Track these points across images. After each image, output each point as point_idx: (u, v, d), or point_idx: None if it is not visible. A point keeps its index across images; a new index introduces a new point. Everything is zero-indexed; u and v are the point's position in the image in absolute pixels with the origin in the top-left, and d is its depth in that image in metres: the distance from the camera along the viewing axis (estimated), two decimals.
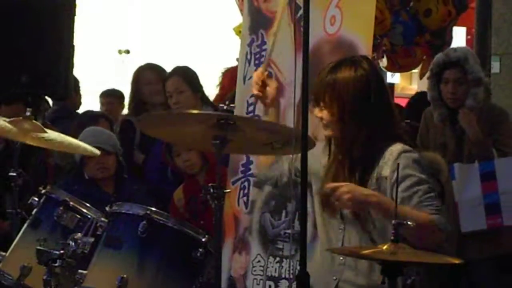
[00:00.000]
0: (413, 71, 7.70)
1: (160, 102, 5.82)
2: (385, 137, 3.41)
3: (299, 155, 3.08)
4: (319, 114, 3.47)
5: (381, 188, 3.33)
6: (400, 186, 3.22)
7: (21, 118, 4.33)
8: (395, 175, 3.15)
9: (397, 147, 3.38)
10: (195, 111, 3.79)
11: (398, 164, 3.19)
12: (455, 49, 5.24)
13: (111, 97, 7.72)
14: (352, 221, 3.39)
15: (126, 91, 6.72)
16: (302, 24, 3.07)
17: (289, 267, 4.43)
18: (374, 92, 3.41)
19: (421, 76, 6.41)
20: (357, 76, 3.42)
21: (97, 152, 4.45)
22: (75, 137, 4.65)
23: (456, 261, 2.92)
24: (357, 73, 3.43)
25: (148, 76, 6.00)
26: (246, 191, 4.76)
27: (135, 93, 6.03)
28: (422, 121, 5.32)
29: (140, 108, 5.90)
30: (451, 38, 6.30)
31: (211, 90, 6.68)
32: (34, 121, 4.37)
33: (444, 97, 5.10)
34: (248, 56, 4.83)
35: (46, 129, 4.21)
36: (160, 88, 5.83)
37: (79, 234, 3.89)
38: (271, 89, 3.75)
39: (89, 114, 6.22)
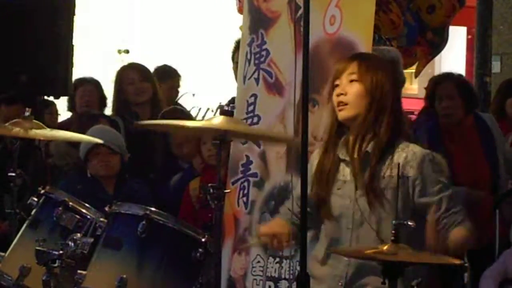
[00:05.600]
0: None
1: (144, 101, 5.84)
2: (397, 130, 3.42)
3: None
4: (342, 90, 3.41)
5: (404, 187, 3.33)
6: (428, 189, 3.31)
7: (20, 119, 4.34)
8: (419, 178, 3.30)
9: (417, 148, 3.39)
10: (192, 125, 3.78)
11: (398, 164, 3.21)
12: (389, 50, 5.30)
13: None
14: (361, 221, 3.38)
15: None
16: (302, 24, 3.06)
17: (289, 267, 4.42)
18: (399, 82, 3.47)
19: (417, 74, 6.39)
20: (389, 62, 3.55)
21: (100, 141, 4.48)
22: None
23: (457, 262, 2.91)
24: (390, 65, 3.56)
25: (130, 76, 5.97)
26: (246, 191, 4.75)
27: (119, 93, 5.99)
28: None
29: (125, 108, 5.89)
30: (448, 35, 6.29)
31: (211, 90, 6.68)
32: (34, 120, 4.38)
33: None
34: (248, 56, 4.83)
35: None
36: (144, 87, 5.84)
37: (79, 235, 3.88)
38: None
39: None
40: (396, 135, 3.40)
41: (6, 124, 4.43)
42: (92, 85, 6.26)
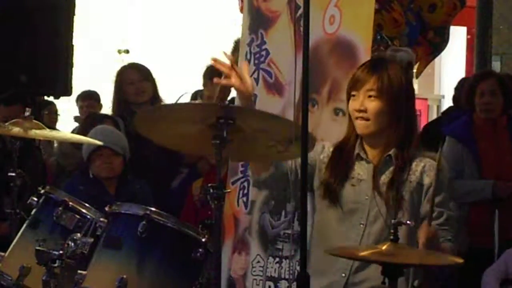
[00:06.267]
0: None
1: (144, 101, 5.85)
2: (416, 144, 3.47)
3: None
4: (361, 105, 3.43)
5: (420, 194, 3.40)
6: (436, 199, 3.29)
7: (20, 119, 4.35)
8: (432, 187, 3.31)
9: (433, 161, 3.42)
10: (193, 103, 3.72)
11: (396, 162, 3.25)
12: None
13: (90, 99, 7.71)
14: (376, 218, 3.40)
15: None
16: (301, 24, 3.06)
17: (289, 267, 4.42)
18: (414, 91, 3.53)
19: (418, 75, 6.41)
20: (407, 76, 3.51)
21: (100, 143, 4.48)
22: None
23: (458, 261, 2.91)
24: (406, 74, 3.52)
25: (130, 76, 5.95)
26: (245, 191, 4.76)
27: (119, 93, 5.98)
28: None
29: (125, 108, 5.89)
30: (448, 35, 6.30)
31: None
32: (34, 120, 4.38)
33: None
34: (248, 56, 4.83)
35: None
36: (144, 86, 5.84)
37: (78, 235, 3.87)
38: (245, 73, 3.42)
39: (93, 116, 6.20)
40: (417, 145, 3.47)
41: (6, 124, 4.44)
42: None
